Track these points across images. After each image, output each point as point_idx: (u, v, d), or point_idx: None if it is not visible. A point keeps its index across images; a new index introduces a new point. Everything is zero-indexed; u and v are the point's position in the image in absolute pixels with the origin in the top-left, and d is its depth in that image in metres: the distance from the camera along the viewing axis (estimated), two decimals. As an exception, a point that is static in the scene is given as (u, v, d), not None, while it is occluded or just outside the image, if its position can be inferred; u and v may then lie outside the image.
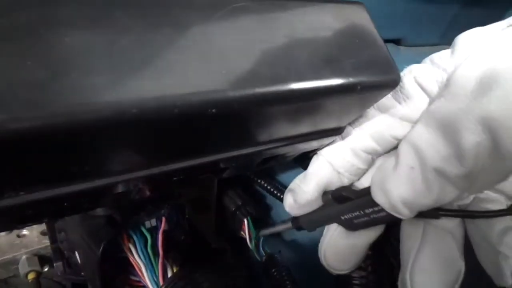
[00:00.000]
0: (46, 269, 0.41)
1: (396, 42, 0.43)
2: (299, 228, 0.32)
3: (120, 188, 0.20)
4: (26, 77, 0.12)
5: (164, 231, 0.36)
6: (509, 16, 0.24)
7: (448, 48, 0.25)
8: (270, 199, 0.45)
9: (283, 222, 0.34)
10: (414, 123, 0.24)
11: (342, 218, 0.28)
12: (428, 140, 0.22)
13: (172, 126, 0.16)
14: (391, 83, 0.23)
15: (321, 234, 0.31)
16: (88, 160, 0.17)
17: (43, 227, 0.42)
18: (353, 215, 0.27)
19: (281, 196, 0.38)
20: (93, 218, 0.34)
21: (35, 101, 0.12)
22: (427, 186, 0.21)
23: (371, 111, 0.27)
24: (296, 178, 0.29)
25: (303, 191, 0.28)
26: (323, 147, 0.28)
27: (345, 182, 0.27)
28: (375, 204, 0.25)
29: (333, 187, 0.28)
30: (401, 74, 0.24)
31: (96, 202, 0.25)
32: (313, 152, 0.29)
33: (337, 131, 0.27)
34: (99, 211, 0.33)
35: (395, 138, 0.25)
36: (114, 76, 0.14)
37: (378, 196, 0.24)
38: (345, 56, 0.21)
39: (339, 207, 0.27)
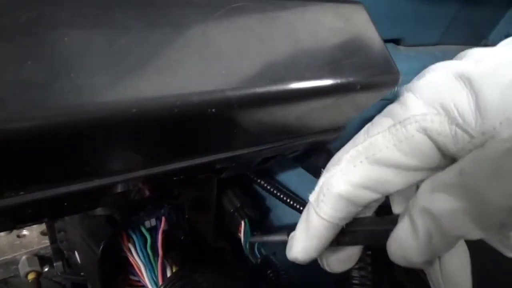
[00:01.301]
0: (46, 269, 0.41)
1: (396, 42, 0.43)
2: None
3: (120, 188, 0.20)
4: (26, 77, 0.12)
5: (163, 231, 0.36)
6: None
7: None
8: (270, 201, 0.45)
9: (278, 233, 0.34)
10: (422, 172, 0.23)
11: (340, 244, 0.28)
12: (445, 206, 0.20)
13: (172, 125, 0.16)
14: (391, 82, 0.23)
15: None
16: (88, 160, 0.17)
17: (43, 227, 0.42)
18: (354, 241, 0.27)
19: (281, 196, 0.38)
20: (93, 218, 0.34)
21: (34, 101, 0.12)
22: (446, 248, 0.21)
23: (368, 159, 0.24)
24: (296, 236, 0.27)
25: (308, 256, 0.27)
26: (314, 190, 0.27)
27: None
28: (375, 239, 0.25)
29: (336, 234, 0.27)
30: (404, 116, 0.22)
31: (96, 202, 0.25)
32: (314, 151, 0.29)
33: (337, 131, 0.27)
34: (99, 211, 0.33)
35: (399, 189, 0.24)
36: (113, 76, 0.14)
37: (400, 262, 0.23)
38: (344, 56, 0.21)
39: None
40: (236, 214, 0.40)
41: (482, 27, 0.43)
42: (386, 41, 0.24)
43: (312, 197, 0.26)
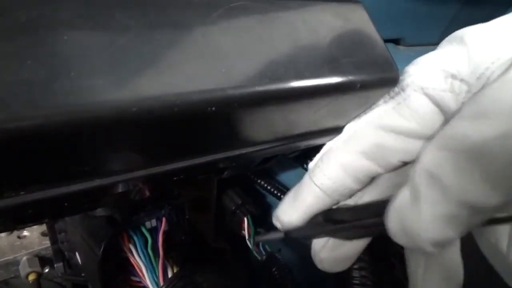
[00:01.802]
0: (46, 270, 0.41)
1: (396, 41, 0.43)
2: (292, 239, 0.31)
3: (120, 188, 0.20)
4: (25, 77, 0.12)
5: (164, 232, 0.36)
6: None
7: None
8: (270, 198, 0.45)
9: (276, 232, 0.33)
10: (423, 139, 0.22)
11: (336, 236, 0.26)
12: (452, 168, 0.18)
13: (172, 125, 0.16)
14: (390, 81, 0.23)
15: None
16: (88, 160, 0.17)
17: (43, 228, 0.42)
18: (349, 233, 0.25)
19: (281, 196, 0.38)
20: (93, 218, 0.34)
21: (34, 100, 0.12)
22: (455, 221, 0.18)
23: (368, 124, 0.23)
24: (286, 200, 0.26)
25: (289, 219, 0.25)
26: (313, 159, 0.26)
27: (335, 203, 0.25)
28: (372, 228, 0.23)
29: (323, 209, 0.25)
30: (404, 83, 0.22)
31: (96, 202, 0.25)
32: (314, 151, 0.29)
33: (337, 130, 0.27)
34: (100, 212, 0.33)
35: (400, 160, 0.23)
36: (113, 75, 0.14)
37: (401, 240, 0.20)
38: (344, 55, 0.21)
39: (333, 227, 0.25)
40: (238, 211, 0.40)
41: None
42: (386, 41, 0.24)
43: (310, 164, 0.25)
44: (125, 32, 0.15)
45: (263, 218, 0.42)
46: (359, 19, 0.23)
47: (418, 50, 0.44)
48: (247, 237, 0.39)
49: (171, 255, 0.37)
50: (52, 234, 0.39)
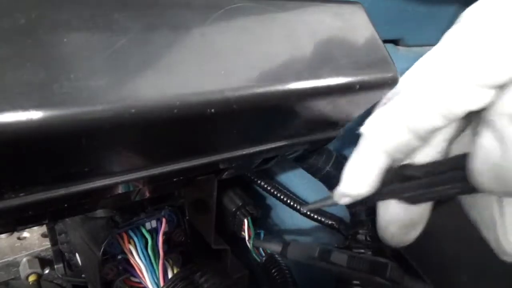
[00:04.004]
0: (47, 271, 0.41)
1: (395, 42, 0.43)
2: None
3: (120, 190, 0.20)
4: (25, 79, 0.13)
5: (164, 232, 0.36)
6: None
7: None
8: (270, 200, 0.45)
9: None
10: (499, 87, 0.20)
11: (404, 195, 0.25)
12: None
13: (171, 126, 0.16)
14: (390, 82, 0.23)
15: (319, 238, 0.31)
16: (88, 161, 0.17)
17: (43, 229, 0.42)
18: (418, 192, 0.24)
19: (281, 197, 0.38)
20: (93, 219, 0.34)
21: (34, 102, 0.12)
22: None
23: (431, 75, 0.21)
24: (349, 173, 0.24)
25: (359, 191, 0.24)
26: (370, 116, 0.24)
27: (399, 162, 0.24)
28: (447, 183, 0.22)
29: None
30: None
31: (96, 204, 0.25)
32: (314, 152, 0.29)
33: (336, 131, 0.27)
34: (100, 213, 0.33)
35: (468, 110, 0.21)
36: (113, 77, 0.14)
37: (493, 187, 0.20)
38: (343, 56, 0.21)
39: (401, 186, 0.24)
40: (238, 213, 0.40)
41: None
42: (385, 41, 0.24)
43: (365, 128, 0.23)
44: (124, 34, 0.15)
45: (263, 220, 0.42)
46: (358, 20, 0.23)
47: (417, 50, 0.44)
48: (247, 239, 0.39)
49: (171, 256, 0.37)
50: (52, 235, 0.39)
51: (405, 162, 0.24)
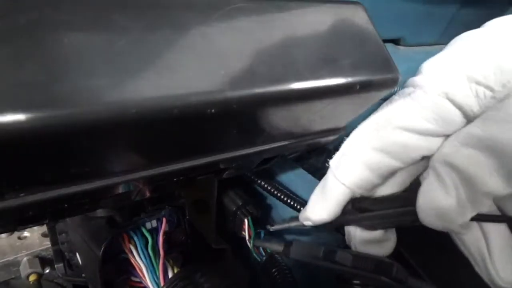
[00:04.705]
0: (47, 271, 0.41)
1: (395, 41, 0.43)
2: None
3: (120, 189, 0.20)
4: (26, 79, 0.13)
5: (165, 232, 0.36)
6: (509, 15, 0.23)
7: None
8: (270, 199, 0.45)
9: (295, 218, 0.34)
10: (442, 137, 0.23)
11: (362, 223, 0.28)
12: (473, 162, 0.21)
13: (172, 126, 0.16)
14: (390, 82, 0.23)
15: (319, 238, 0.31)
16: (88, 161, 0.17)
17: (44, 229, 0.42)
18: (374, 222, 0.27)
19: (281, 197, 0.38)
20: (93, 219, 0.34)
21: (35, 102, 0.12)
22: (476, 205, 0.21)
23: (390, 123, 0.24)
24: (313, 199, 0.28)
25: (320, 217, 0.27)
26: (335, 156, 0.27)
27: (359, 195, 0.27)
28: (398, 216, 0.25)
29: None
30: (424, 82, 0.23)
31: (96, 203, 0.25)
32: (314, 152, 0.29)
33: (337, 131, 0.27)
34: (100, 212, 0.33)
35: (422, 155, 0.24)
36: (113, 77, 0.14)
37: (433, 222, 0.23)
38: (344, 56, 0.21)
39: (359, 216, 0.27)
40: (238, 212, 0.40)
41: (482, 26, 0.43)
42: (385, 41, 0.24)
43: (332, 162, 0.27)
44: (125, 34, 0.15)
45: (263, 219, 0.42)
46: (358, 20, 0.23)
47: (418, 50, 0.44)
48: (247, 238, 0.39)
49: (171, 255, 0.37)
50: (52, 235, 0.39)
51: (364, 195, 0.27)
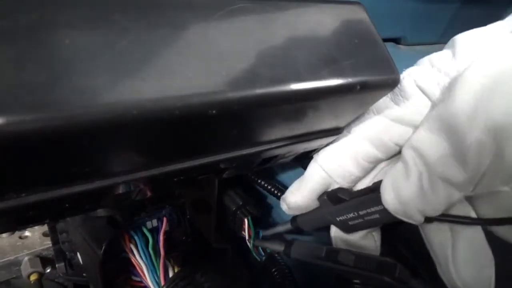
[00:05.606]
0: (48, 270, 0.41)
1: (396, 41, 0.43)
2: (298, 229, 0.32)
3: (121, 189, 0.20)
4: (26, 80, 0.13)
5: (165, 232, 0.36)
6: (509, 15, 0.24)
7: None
8: (271, 199, 0.45)
9: (284, 223, 0.34)
10: (416, 126, 0.24)
11: (338, 219, 0.28)
12: (432, 146, 0.21)
13: (173, 127, 0.16)
14: (391, 82, 0.23)
15: (320, 235, 0.31)
16: (89, 162, 0.17)
17: (45, 228, 0.42)
18: (348, 216, 0.27)
19: (281, 196, 0.38)
20: (94, 219, 0.34)
21: (35, 103, 0.12)
22: (435, 192, 0.22)
23: (368, 114, 0.26)
24: (294, 183, 0.30)
25: (295, 199, 0.28)
26: (321, 147, 0.28)
27: (337, 186, 0.28)
28: (369, 206, 0.25)
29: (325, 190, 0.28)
30: (401, 76, 0.24)
31: (97, 203, 0.25)
32: (314, 151, 0.29)
33: (337, 131, 0.27)
34: (101, 212, 0.33)
35: (396, 143, 0.25)
36: (114, 78, 0.14)
37: (391, 205, 0.24)
38: (344, 56, 0.21)
39: (334, 208, 0.28)
40: (238, 212, 0.40)
41: (482, 26, 0.43)
42: (386, 40, 0.24)
43: (318, 152, 0.28)
44: (125, 35, 0.15)
45: (263, 219, 0.42)
46: (358, 20, 0.23)
47: (419, 49, 0.44)
48: (247, 238, 0.39)
49: (172, 255, 0.37)
50: (53, 234, 0.39)
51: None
